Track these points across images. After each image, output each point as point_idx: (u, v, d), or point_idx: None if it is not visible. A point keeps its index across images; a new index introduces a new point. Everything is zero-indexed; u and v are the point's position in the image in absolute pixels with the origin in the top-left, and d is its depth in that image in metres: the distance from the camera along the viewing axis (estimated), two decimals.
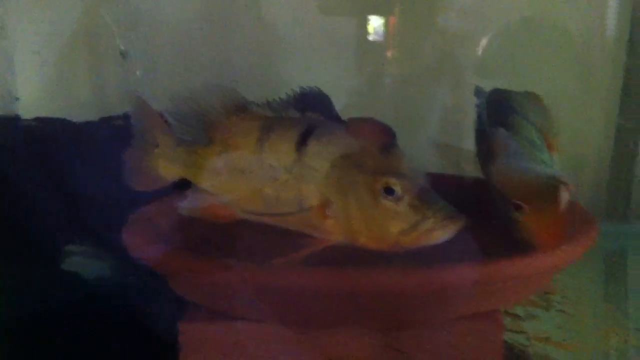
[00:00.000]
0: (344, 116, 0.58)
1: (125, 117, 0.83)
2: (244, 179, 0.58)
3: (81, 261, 0.74)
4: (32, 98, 0.84)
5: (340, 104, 0.58)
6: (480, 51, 0.89)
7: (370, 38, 0.91)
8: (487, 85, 0.73)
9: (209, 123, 0.61)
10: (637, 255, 0.90)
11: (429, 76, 0.94)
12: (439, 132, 0.93)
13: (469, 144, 0.71)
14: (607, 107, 0.97)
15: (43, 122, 0.81)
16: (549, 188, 0.51)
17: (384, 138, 0.54)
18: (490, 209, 0.59)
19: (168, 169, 0.64)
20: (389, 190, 0.51)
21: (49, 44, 0.85)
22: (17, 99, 0.81)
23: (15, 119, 0.80)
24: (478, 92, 0.70)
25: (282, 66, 0.92)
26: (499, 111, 0.66)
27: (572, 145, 0.96)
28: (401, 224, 0.51)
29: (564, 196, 0.50)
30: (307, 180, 0.55)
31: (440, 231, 0.50)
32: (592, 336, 0.68)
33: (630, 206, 0.98)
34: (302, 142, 0.55)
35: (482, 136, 0.65)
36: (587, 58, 0.95)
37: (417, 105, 0.94)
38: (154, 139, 0.64)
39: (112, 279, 0.72)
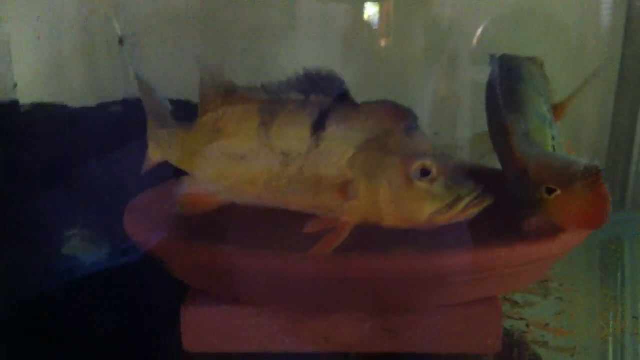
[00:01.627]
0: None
1: (123, 103, 0.84)
2: (244, 165, 0.56)
3: (81, 246, 0.74)
4: (30, 84, 0.84)
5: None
6: (475, 41, 0.89)
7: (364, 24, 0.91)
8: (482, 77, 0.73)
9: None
10: (634, 243, 0.91)
11: (424, 65, 0.94)
12: (433, 122, 0.92)
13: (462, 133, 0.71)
14: (604, 98, 0.97)
15: (41, 108, 0.81)
16: (588, 173, 0.52)
17: (405, 120, 0.54)
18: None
19: (153, 152, 0.62)
20: (424, 172, 0.51)
21: (46, 31, 0.84)
22: (15, 85, 0.81)
23: (14, 104, 0.80)
24: (492, 60, 0.69)
25: (275, 51, 0.91)
26: (510, 81, 0.66)
27: (568, 135, 0.97)
28: (436, 204, 0.51)
29: (601, 180, 0.52)
30: (325, 165, 0.53)
31: (473, 209, 0.51)
32: (590, 323, 0.69)
33: (626, 194, 0.98)
34: (318, 126, 0.54)
35: (495, 107, 0.65)
36: (583, 49, 0.95)
37: (411, 94, 0.94)
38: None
39: (111, 264, 0.72)
